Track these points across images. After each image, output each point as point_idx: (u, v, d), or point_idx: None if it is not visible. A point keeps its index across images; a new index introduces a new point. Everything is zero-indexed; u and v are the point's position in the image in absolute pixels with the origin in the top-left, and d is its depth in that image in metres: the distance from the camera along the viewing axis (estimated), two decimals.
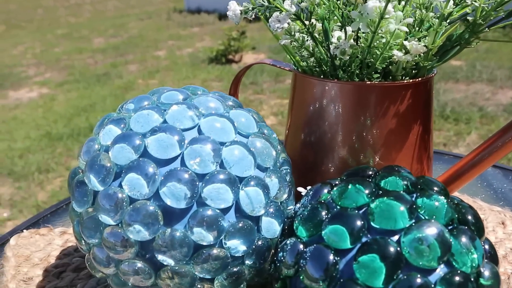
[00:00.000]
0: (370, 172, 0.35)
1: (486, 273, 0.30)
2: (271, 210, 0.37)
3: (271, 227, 0.38)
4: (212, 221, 0.34)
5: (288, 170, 0.42)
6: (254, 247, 0.37)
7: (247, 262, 0.37)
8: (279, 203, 0.39)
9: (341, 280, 0.29)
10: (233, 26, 3.72)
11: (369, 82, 0.43)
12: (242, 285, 0.39)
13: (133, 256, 0.35)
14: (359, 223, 0.30)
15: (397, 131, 0.45)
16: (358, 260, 0.29)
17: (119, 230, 0.35)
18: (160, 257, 0.34)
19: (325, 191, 0.35)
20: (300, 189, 0.41)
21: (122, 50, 4.33)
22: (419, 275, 0.28)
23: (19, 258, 0.50)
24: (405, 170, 0.34)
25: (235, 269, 0.36)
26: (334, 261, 0.30)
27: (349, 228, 0.30)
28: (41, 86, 3.42)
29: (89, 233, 0.36)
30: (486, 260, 0.31)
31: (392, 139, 0.45)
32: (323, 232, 0.31)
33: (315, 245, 0.31)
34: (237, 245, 0.36)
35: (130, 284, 0.37)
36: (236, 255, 0.36)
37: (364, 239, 0.30)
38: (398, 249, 0.28)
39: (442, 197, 0.31)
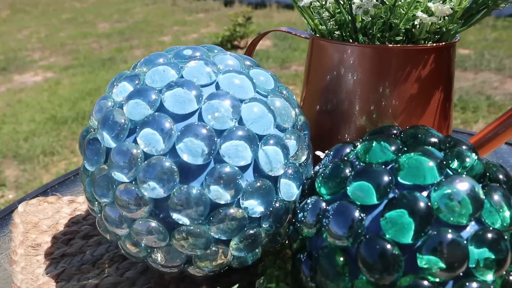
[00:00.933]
0: (395, 131, 0.33)
1: None
2: (290, 171, 0.36)
3: (289, 189, 0.36)
4: (230, 179, 0.33)
5: (307, 133, 0.40)
6: (271, 209, 0.35)
7: (264, 224, 0.36)
8: (298, 165, 0.37)
9: (367, 237, 0.28)
10: (239, 12, 3.69)
11: (391, 45, 0.42)
12: (257, 250, 0.38)
13: (147, 215, 0.34)
14: (386, 178, 0.28)
15: (418, 97, 0.43)
16: (386, 216, 0.27)
17: (133, 188, 0.33)
18: (175, 216, 0.33)
19: (348, 150, 0.33)
20: (318, 152, 0.40)
21: (127, 35, 4.30)
22: (450, 231, 0.26)
23: (27, 225, 0.49)
24: (432, 129, 0.33)
25: (251, 232, 0.35)
26: (360, 217, 0.28)
27: (375, 184, 0.28)
28: (46, 70, 3.40)
29: (102, 191, 0.35)
30: None
31: (413, 106, 0.44)
32: (348, 189, 0.29)
33: (339, 201, 0.29)
34: (254, 206, 0.34)
35: (143, 245, 0.36)
36: (253, 216, 0.35)
37: (391, 195, 0.28)
38: (429, 204, 0.27)
39: (473, 154, 0.30)
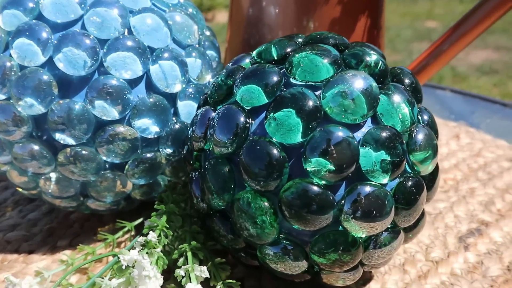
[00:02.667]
0: (298, 38, 0.30)
1: (419, 136, 0.26)
2: (191, 90, 0.33)
3: (191, 110, 0.33)
4: (117, 93, 0.30)
5: (216, 56, 0.37)
6: (169, 130, 0.32)
7: (163, 148, 0.33)
8: (203, 87, 0.34)
9: (250, 140, 0.25)
10: None
11: None
12: (161, 181, 0.35)
13: (27, 136, 0.30)
14: (275, 78, 0.26)
15: (341, 21, 0.41)
16: (271, 116, 0.25)
17: (9, 105, 0.30)
18: (57, 135, 0.30)
19: (247, 60, 0.30)
20: None
21: None
22: (340, 128, 0.24)
23: None
24: (339, 35, 0.30)
25: (148, 155, 0.32)
26: (245, 121, 0.25)
27: (263, 85, 0.26)
28: None
29: None
30: (421, 125, 0.27)
31: (336, 31, 0.41)
32: (236, 93, 0.26)
33: (224, 106, 0.26)
34: (148, 125, 0.31)
35: (30, 174, 0.32)
36: (148, 136, 0.32)
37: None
38: (318, 102, 0.24)
39: (376, 54, 0.27)
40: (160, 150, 0.33)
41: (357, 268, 0.28)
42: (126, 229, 0.35)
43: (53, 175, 0.32)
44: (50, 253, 0.35)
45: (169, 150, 0.33)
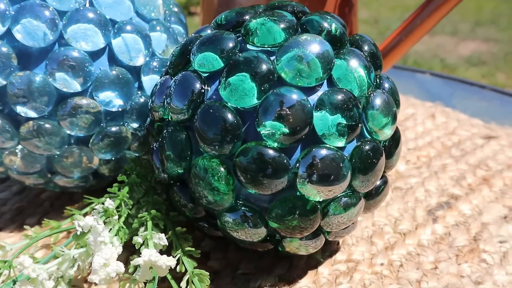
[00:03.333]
0: (259, 8, 0.30)
1: (377, 101, 0.26)
2: (155, 64, 0.33)
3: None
4: (78, 65, 0.30)
5: (183, 32, 0.37)
6: (134, 104, 0.32)
7: (129, 123, 0.33)
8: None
9: (207, 106, 0.25)
10: None
11: None
12: (127, 155, 0.35)
13: None
14: (231, 44, 0.26)
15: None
16: (226, 82, 0.24)
17: None
18: (18, 108, 0.30)
19: (208, 30, 0.30)
20: None
21: None
22: (294, 91, 0.24)
23: None
24: (300, 5, 0.30)
25: (113, 129, 0.32)
26: (201, 87, 0.25)
27: (219, 51, 0.26)
28: None
29: None
30: (380, 90, 0.27)
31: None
32: (193, 60, 0.26)
33: (181, 73, 0.26)
34: (111, 98, 0.31)
35: None
36: (112, 109, 0.31)
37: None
38: (272, 66, 0.24)
39: (335, 20, 0.27)
40: (125, 124, 0.33)
41: (319, 236, 0.28)
42: (94, 205, 0.34)
43: (17, 150, 0.32)
44: (18, 231, 0.35)
45: (134, 125, 0.33)
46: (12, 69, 0.29)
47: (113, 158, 0.34)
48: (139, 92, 0.33)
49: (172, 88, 0.26)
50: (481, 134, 0.48)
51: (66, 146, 0.32)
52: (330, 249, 0.32)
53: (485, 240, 0.33)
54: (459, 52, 2.59)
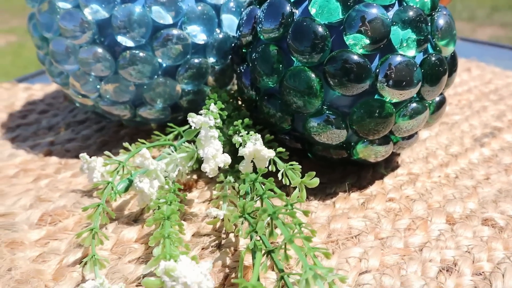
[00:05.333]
0: None
1: (441, 21, 0.30)
2: (232, 5, 0.37)
3: (232, 24, 0.37)
4: (170, 1, 0.34)
5: None
6: (214, 40, 0.36)
7: (209, 58, 0.37)
8: (243, 3, 0.38)
9: (300, 20, 0.29)
10: None
11: None
12: (205, 88, 0.39)
13: (92, 40, 0.34)
14: None
15: None
16: (312, 2, 0.28)
17: (77, 11, 0.34)
18: (119, 38, 0.34)
19: None
20: None
21: None
22: (375, 6, 0.28)
23: None
24: None
25: (196, 61, 0.36)
26: (290, 10, 0.29)
27: None
28: (7, 33, 3.31)
29: (46, 25, 0.35)
30: (442, 12, 0.31)
31: None
32: None
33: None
34: (197, 32, 0.35)
35: (91, 79, 0.36)
36: (197, 42, 0.35)
37: None
38: None
39: None
40: (207, 57, 0.37)
41: (388, 143, 0.32)
42: (175, 132, 0.38)
43: (112, 80, 0.36)
44: (108, 157, 0.39)
45: (212, 59, 0.37)
46: (115, 2, 0.33)
47: (193, 90, 0.38)
48: (218, 30, 0.37)
49: (263, 12, 0.30)
50: None
51: (155, 77, 0.36)
52: (391, 166, 0.36)
53: None
54: (477, 37, 2.61)
